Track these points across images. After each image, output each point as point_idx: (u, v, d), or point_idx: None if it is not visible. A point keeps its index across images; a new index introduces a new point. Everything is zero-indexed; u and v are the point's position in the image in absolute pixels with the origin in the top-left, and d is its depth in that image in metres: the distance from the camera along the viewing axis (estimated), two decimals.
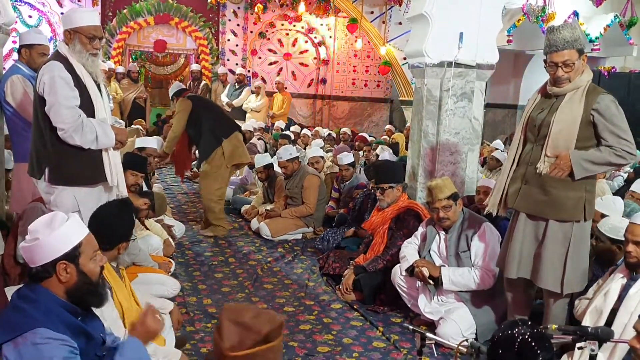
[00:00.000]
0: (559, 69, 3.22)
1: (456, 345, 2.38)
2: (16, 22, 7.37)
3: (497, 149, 7.81)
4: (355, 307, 4.44)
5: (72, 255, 2.24)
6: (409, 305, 4.21)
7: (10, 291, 3.42)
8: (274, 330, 1.89)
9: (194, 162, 7.58)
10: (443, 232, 4.05)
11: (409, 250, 4.21)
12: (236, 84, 11.49)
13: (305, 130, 10.29)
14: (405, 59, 10.97)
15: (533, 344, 1.83)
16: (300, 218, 6.33)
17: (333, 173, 7.17)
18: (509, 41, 8.85)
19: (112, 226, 3.07)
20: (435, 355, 3.40)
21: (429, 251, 4.11)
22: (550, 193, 3.29)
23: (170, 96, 6.39)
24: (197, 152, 6.32)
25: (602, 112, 3.16)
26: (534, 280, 3.42)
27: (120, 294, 3.02)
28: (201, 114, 5.99)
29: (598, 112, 3.16)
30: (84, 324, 2.28)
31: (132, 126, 9.50)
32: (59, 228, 2.23)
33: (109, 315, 2.74)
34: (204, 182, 6.13)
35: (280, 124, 11.06)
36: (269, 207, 6.68)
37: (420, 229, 4.26)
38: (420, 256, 4.16)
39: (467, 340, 2.30)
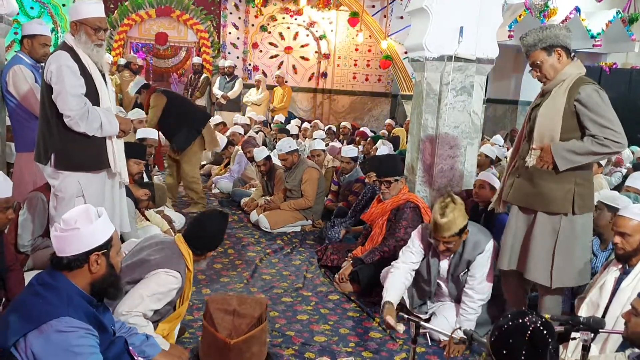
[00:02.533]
0: (533, 70, 3.42)
1: (448, 334, 2.42)
2: (18, 14, 7.42)
3: (495, 144, 7.83)
4: (352, 298, 4.48)
5: (105, 247, 2.32)
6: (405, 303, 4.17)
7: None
8: (263, 312, 1.96)
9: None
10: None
11: (395, 279, 3.78)
12: (227, 76, 11.45)
13: (305, 124, 10.31)
14: (406, 53, 10.99)
15: (545, 332, 1.85)
16: (299, 211, 6.36)
17: (334, 167, 7.19)
18: (510, 36, 8.86)
19: (215, 237, 3.38)
20: (429, 344, 3.44)
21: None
22: (538, 185, 3.33)
23: (134, 93, 6.79)
24: (170, 142, 6.73)
25: (584, 102, 3.17)
26: (522, 272, 3.45)
27: (186, 299, 3.30)
28: (178, 109, 6.51)
29: (580, 101, 3.18)
30: (99, 316, 2.33)
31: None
32: (97, 220, 2.30)
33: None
34: (186, 169, 6.63)
35: (280, 117, 11.09)
36: (268, 198, 6.71)
37: (419, 247, 3.85)
38: (421, 274, 3.88)
39: (459, 328, 2.34)
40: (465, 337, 2.28)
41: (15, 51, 6.26)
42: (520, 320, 1.87)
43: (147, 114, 6.71)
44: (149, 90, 6.63)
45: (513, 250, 3.50)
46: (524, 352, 1.84)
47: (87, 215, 2.30)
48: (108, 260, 2.34)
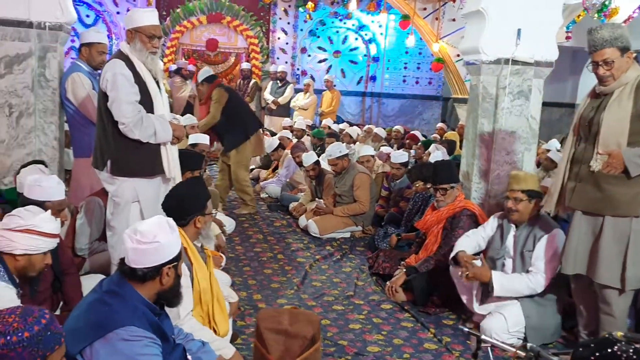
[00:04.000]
0: (599, 67, 3.25)
1: (514, 349, 2.32)
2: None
3: (550, 149, 7.58)
4: (406, 307, 4.38)
5: (176, 260, 2.35)
6: (464, 301, 4.11)
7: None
8: (316, 331, 1.89)
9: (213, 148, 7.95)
10: (514, 227, 3.96)
11: (463, 241, 4.13)
12: (279, 81, 11.49)
13: (355, 128, 10.23)
14: (458, 55, 10.82)
15: None
16: (350, 216, 6.29)
17: (384, 172, 7.10)
18: (567, 38, 8.60)
19: (184, 200, 3.17)
20: (491, 358, 3.32)
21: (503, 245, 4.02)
22: (604, 190, 3.25)
23: (199, 81, 6.77)
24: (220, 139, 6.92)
25: None
26: (591, 276, 3.37)
27: (200, 273, 3.10)
28: (234, 108, 6.63)
29: None
30: (161, 325, 2.35)
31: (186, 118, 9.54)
32: (173, 233, 2.33)
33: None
34: (237, 172, 6.81)
35: (328, 121, 11.03)
36: (321, 201, 6.61)
37: (496, 221, 4.13)
38: (487, 249, 4.09)
39: (527, 343, 2.22)
40: (532, 353, 2.17)
41: (71, 59, 6.42)
42: (610, 350, 1.68)
43: (200, 102, 6.88)
44: (214, 83, 6.70)
45: (578, 255, 3.42)
46: None
47: (164, 228, 2.33)
48: (177, 272, 2.36)
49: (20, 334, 1.81)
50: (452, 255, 4.06)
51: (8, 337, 1.80)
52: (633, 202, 3.21)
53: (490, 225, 4.14)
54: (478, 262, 3.85)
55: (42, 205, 3.14)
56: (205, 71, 6.84)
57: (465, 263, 3.90)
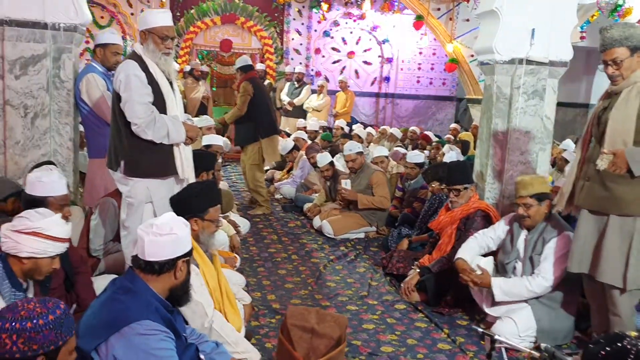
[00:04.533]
0: (609, 66, 3.27)
1: (528, 350, 2.30)
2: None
3: (566, 149, 7.53)
4: (419, 308, 4.37)
5: (190, 254, 2.40)
6: (477, 301, 4.10)
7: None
8: (342, 333, 1.89)
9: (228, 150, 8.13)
10: (525, 231, 3.94)
11: (467, 244, 4.13)
12: (296, 82, 11.50)
13: (369, 129, 10.22)
14: (472, 56, 10.78)
15: None
16: (364, 217, 6.29)
17: (398, 173, 7.09)
18: (582, 37, 8.54)
19: (184, 198, 3.23)
20: (505, 359, 3.30)
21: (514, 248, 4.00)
22: (610, 189, 3.25)
23: (235, 68, 7.05)
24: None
25: None
26: (593, 274, 3.36)
27: (208, 273, 3.11)
28: (253, 105, 6.74)
29: None
30: (174, 321, 2.36)
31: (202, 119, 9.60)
32: (187, 227, 2.36)
33: (200, 292, 2.85)
34: (249, 173, 6.98)
35: (341, 122, 11.01)
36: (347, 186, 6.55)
37: (505, 225, 4.12)
38: (496, 253, 4.08)
39: (541, 344, 2.21)
40: (546, 354, 2.16)
41: (86, 60, 6.47)
42: (619, 344, 1.71)
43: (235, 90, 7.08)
44: (247, 74, 6.88)
45: (584, 254, 3.42)
46: None
47: (179, 222, 2.37)
48: (188, 267, 2.38)
49: (45, 318, 1.89)
50: (455, 259, 4.08)
51: (34, 321, 1.88)
52: (638, 202, 3.20)
53: (501, 228, 4.13)
54: (481, 267, 3.84)
55: (44, 200, 3.18)
56: (243, 59, 7.01)
57: (462, 272, 3.93)
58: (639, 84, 3.19)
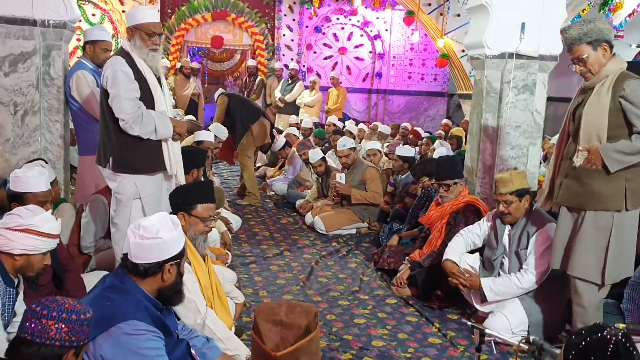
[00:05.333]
0: (576, 65, 3.30)
1: (517, 343, 2.32)
2: (80, 21, 7.70)
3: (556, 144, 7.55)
4: (410, 302, 4.39)
5: (179, 257, 2.36)
6: (466, 297, 4.11)
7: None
8: (311, 321, 1.90)
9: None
10: (508, 227, 3.95)
11: (453, 244, 4.13)
12: (289, 78, 11.50)
13: (361, 125, 10.22)
14: (463, 51, 10.78)
15: (627, 344, 1.72)
16: (356, 212, 6.30)
17: (390, 168, 7.10)
18: None
19: (174, 193, 3.32)
20: (495, 352, 3.32)
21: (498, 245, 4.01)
22: (587, 185, 3.26)
23: (215, 98, 7.89)
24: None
25: (629, 98, 3.08)
26: (564, 268, 3.39)
27: (199, 269, 3.11)
28: (234, 108, 7.30)
29: (625, 98, 3.09)
30: (164, 319, 2.36)
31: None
32: (176, 230, 2.34)
33: (193, 289, 2.84)
34: (242, 160, 7.49)
35: (333, 119, 11.00)
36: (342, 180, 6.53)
37: (487, 222, 4.12)
38: (483, 249, 4.09)
39: (530, 337, 2.22)
40: (534, 346, 2.17)
41: (77, 57, 6.45)
42: (600, 335, 1.73)
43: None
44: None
45: (564, 251, 3.43)
46: None
47: (167, 225, 2.34)
48: (179, 269, 2.37)
49: (85, 314, 1.96)
50: (443, 260, 4.07)
51: (79, 315, 1.94)
52: (615, 197, 3.21)
53: (485, 224, 4.14)
54: (470, 265, 3.86)
55: (22, 196, 3.22)
56: (219, 92, 7.94)
57: (452, 275, 3.95)
58: (610, 77, 3.18)
